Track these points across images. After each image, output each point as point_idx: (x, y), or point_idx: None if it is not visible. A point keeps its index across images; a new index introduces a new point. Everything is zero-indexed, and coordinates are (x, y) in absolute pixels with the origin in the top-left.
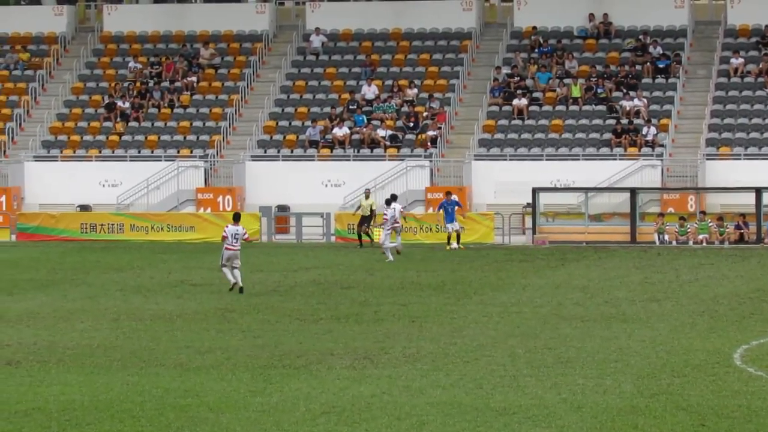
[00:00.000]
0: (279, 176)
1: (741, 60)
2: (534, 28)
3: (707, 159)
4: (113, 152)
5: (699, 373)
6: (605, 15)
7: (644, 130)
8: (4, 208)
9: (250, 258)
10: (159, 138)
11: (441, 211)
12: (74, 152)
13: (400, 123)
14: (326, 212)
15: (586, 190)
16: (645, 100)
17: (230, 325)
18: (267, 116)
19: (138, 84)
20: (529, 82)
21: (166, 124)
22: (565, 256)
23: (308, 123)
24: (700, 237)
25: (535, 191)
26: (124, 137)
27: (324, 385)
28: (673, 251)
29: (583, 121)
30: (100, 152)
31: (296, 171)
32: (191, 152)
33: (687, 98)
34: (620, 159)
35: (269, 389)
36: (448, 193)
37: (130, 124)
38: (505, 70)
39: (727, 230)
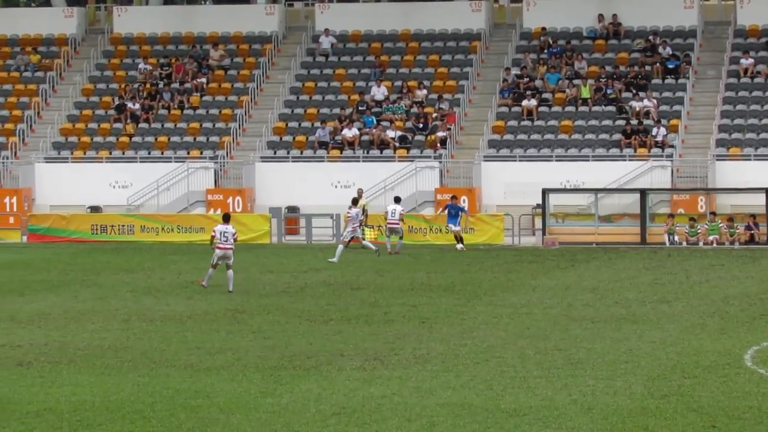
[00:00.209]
0: (289, 177)
1: (751, 60)
2: (543, 28)
3: (717, 160)
4: (123, 153)
5: (709, 374)
6: (614, 15)
7: (654, 131)
8: (15, 210)
9: (260, 259)
10: (169, 139)
11: (445, 212)
12: (85, 153)
13: (409, 124)
14: (336, 213)
15: (596, 191)
16: (655, 101)
17: (240, 326)
18: (276, 117)
19: (148, 85)
20: (538, 82)
21: (176, 125)
22: (575, 257)
23: (318, 124)
24: (711, 238)
25: (545, 192)
26: (135, 138)
27: (334, 386)
28: (683, 252)
29: (593, 122)
30: (110, 153)
31: (306, 172)
32: (201, 153)
33: (697, 99)
34: (630, 160)
35: (280, 390)
36: (454, 197)
37: (140, 125)
38: (515, 71)
39: (737, 231)
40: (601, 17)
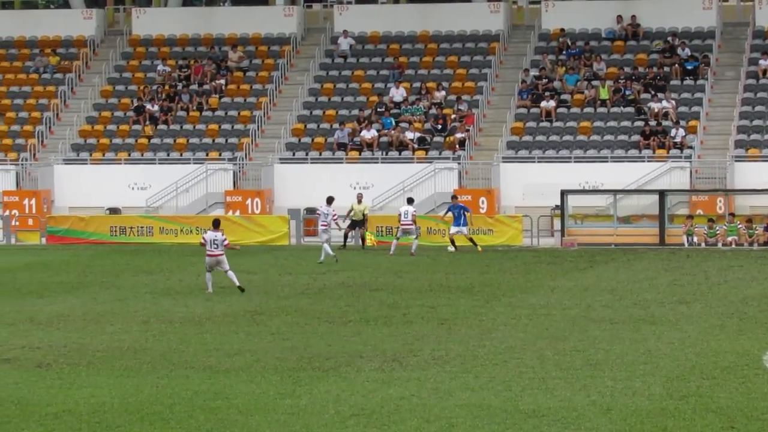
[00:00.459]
0: (307, 179)
1: None
2: (562, 30)
3: (736, 161)
4: (142, 155)
5: (728, 375)
6: (633, 17)
7: (672, 132)
8: (34, 211)
9: (279, 260)
10: (188, 141)
11: (450, 214)
12: (103, 155)
13: (428, 125)
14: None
15: (615, 192)
16: (673, 102)
17: (259, 327)
18: (295, 119)
19: (167, 87)
20: (557, 84)
21: (194, 127)
22: (594, 258)
23: (336, 125)
24: (729, 239)
25: (564, 193)
26: (153, 140)
27: (353, 387)
28: (702, 253)
29: (612, 123)
30: (129, 155)
31: (324, 174)
32: (220, 155)
33: (715, 100)
34: (649, 161)
35: (298, 391)
36: (454, 197)
37: (158, 127)
38: (533, 72)
39: (756, 232)
40: (619, 18)
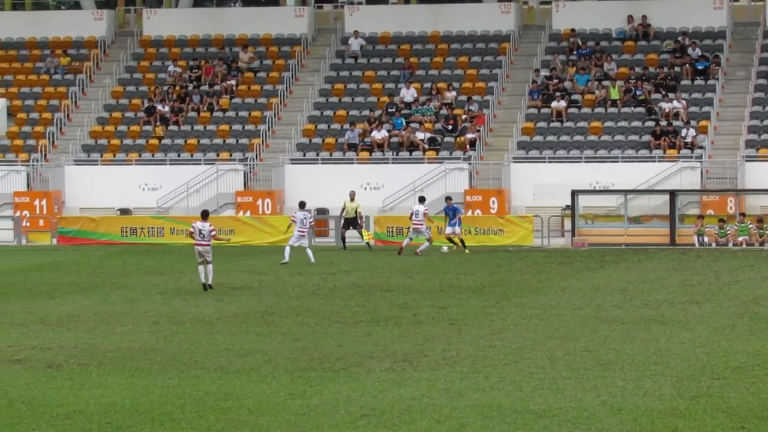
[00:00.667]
0: (318, 179)
1: None
2: (572, 30)
3: (747, 161)
4: (153, 156)
5: (739, 375)
6: (644, 17)
7: (683, 132)
8: (45, 212)
9: (290, 260)
10: (198, 142)
11: (444, 215)
12: (114, 156)
13: (438, 126)
14: (365, 215)
15: (625, 192)
16: (684, 102)
17: (270, 327)
18: (306, 119)
19: (177, 88)
20: (567, 84)
21: (205, 127)
22: (605, 258)
23: (347, 126)
24: (740, 239)
25: (574, 193)
26: (164, 141)
27: (363, 387)
28: (712, 253)
29: (622, 123)
30: (140, 156)
31: (335, 174)
32: (230, 156)
33: (726, 100)
34: (659, 161)
35: (309, 392)
36: (449, 198)
37: (169, 127)
38: (544, 73)
39: (766, 232)
40: (630, 18)
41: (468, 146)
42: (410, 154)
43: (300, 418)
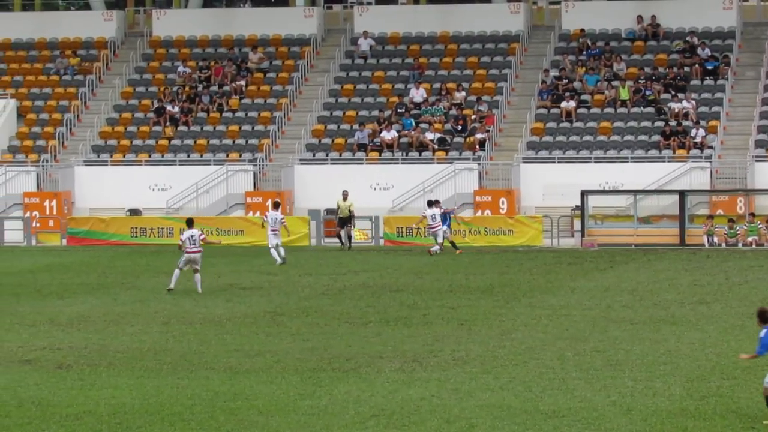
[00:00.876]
0: (328, 180)
1: None
2: (582, 30)
3: (756, 161)
4: (163, 156)
5: (749, 375)
6: (653, 17)
7: (693, 132)
8: (54, 213)
9: (299, 261)
10: (208, 142)
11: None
12: (124, 157)
13: (448, 126)
14: (375, 215)
15: (635, 192)
16: (693, 102)
17: (279, 328)
18: (315, 120)
19: (187, 88)
20: (577, 84)
21: (215, 128)
22: (614, 258)
23: (356, 126)
24: (750, 239)
25: (584, 194)
26: (174, 141)
27: (373, 388)
28: (722, 253)
29: (632, 124)
30: (149, 156)
31: (345, 174)
32: (240, 156)
33: (736, 100)
34: (669, 161)
35: (318, 392)
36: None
37: (179, 128)
38: (553, 73)
39: None
40: (639, 19)
41: (477, 146)
42: (420, 155)
43: (309, 418)
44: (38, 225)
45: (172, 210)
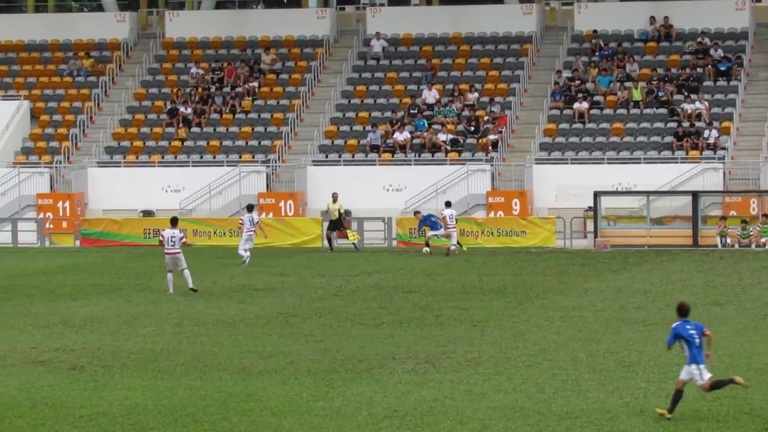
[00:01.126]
0: (340, 181)
1: None
2: (594, 31)
3: None
4: (176, 158)
5: (762, 376)
6: (666, 18)
7: (706, 133)
8: (68, 214)
9: (312, 262)
10: (221, 143)
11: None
12: (137, 158)
13: (461, 127)
14: (387, 217)
15: (648, 193)
16: (706, 103)
17: (292, 329)
18: (328, 121)
19: (200, 90)
20: (590, 85)
21: (227, 129)
22: (627, 259)
23: (369, 128)
24: (763, 240)
25: (597, 195)
26: (187, 143)
27: (386, 389)
28: (735, 254)
29: (645, 125)
30: (162, 158)
31: (357, 176)
32: (253, 157)
33: (749, 100)
34: (682, 162)
35: (331, 393)
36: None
37: (192, 129)
38: (566, 74)
39: None
40: (652, 19)
41: (490, 147)
42: (432, 156)
43: (322, 419)
44: (51, 226)
45: (185, 211)
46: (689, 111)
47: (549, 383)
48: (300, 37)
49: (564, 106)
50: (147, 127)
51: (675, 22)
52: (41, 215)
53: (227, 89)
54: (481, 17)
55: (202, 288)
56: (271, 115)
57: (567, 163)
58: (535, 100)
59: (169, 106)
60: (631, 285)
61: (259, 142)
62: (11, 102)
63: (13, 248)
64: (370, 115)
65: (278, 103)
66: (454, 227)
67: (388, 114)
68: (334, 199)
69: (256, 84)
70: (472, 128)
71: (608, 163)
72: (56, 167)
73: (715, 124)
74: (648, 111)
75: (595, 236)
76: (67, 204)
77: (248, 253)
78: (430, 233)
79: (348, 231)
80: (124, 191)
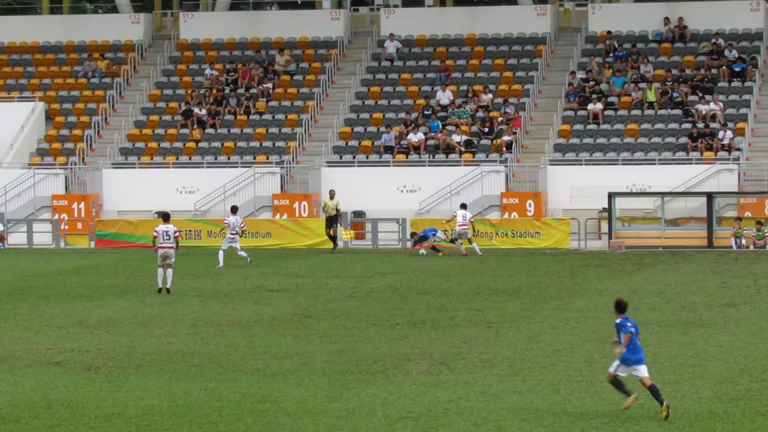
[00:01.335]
0: (355, 182)
1: None
2: (609, 32)
3: None
4: (190, 159)
5: None
6: (680, 19)
7: (720, 134)
8: (83, 215)
9: (326, 263)
10: (235, 144)
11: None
12: (152, 159)
13: (475, 128)
14: (402, 218)
15: (663, 194)
16: (721, 104)
17: (307, 330)
18: (342, 122)
19: (214, 91)
20: (604, 86)
21: (242, 130)
22: (642, 260)
23: (383, 129)
24: None
25: (611, 196)
26: (201, 144)
27: (401, 390)
28: (750, 256)
29: (659, 126)
30: (177, 159)
31: (372, 177)
32: (267, 159)
33: (763, 102)
34: (696, 163)
35: (346, 395)
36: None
37: (206, 130)
38: (580, 75)
39: None
40: (666, 20)
41: (504, 149)
42: (446, 157)
43: (337, 421)
44: (66, 227)
45: (199, 212)
46: (704, 112)
47: (564, 384)
48: (314, 38)
49: (578, 107)
50: (161, 128)
51: (689, 22)
52: (56, 216)
53: (241, 90)
54: (494, 18)
55: (216, 289)
56: (286, 117)
57: (581, 164)
58: (550, 101)
59: (183, 108)
60: (646, 286)
61: (274, 144)
62: (26, 103)
63: (29, 249)
64: (384, 116)
65: (292, 104)
66: (466, 226)
67: (402, 115)
68: (331, 196)
69: (270, 85)
70: (486, 129)
71: (622, 164)
72: (71, 168)
73: (730, 125)
74: (662, 112)
75: (610, 237)
76: (82, 205)
77: (242, 253)
78: (433, 239)
79: (343, 229)
80: (139, 192)
